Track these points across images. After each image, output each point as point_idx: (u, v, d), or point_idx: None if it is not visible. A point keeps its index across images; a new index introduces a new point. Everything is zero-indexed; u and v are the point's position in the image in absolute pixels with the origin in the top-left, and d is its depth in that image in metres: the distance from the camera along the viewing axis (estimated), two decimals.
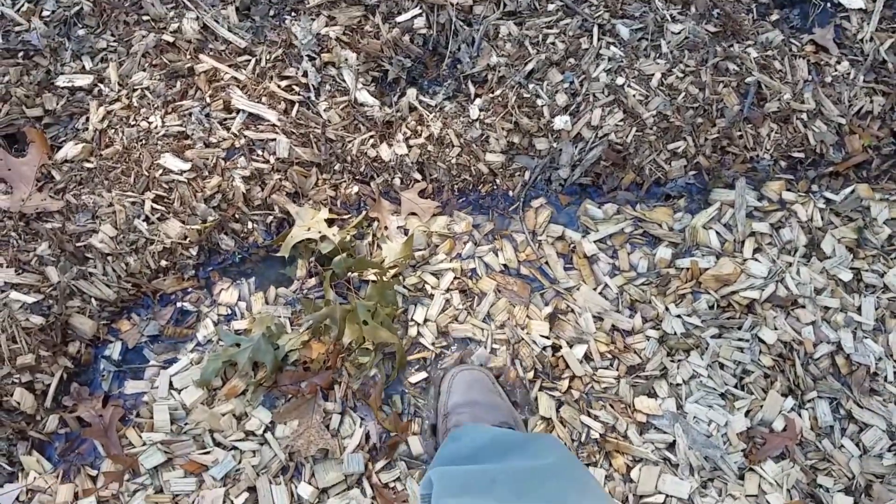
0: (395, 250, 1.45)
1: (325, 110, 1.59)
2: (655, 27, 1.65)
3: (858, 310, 1.44)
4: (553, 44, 1.63)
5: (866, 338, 1.42)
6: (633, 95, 1.58)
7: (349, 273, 1.44)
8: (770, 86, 1.60)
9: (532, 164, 1.57)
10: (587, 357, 1.40)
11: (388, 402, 1.35)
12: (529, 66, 1.62)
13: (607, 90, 1.58)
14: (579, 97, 1.59)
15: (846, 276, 1.47)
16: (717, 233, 1.52)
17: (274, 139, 1.54)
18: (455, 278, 1.47)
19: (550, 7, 1.68)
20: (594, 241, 1.51)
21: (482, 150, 1.57)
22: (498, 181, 1.57)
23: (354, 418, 1.32)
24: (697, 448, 1.30)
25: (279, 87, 1.61)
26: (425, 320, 1.42)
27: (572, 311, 1.44)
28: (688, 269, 1.47)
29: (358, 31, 1.67)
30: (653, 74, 1.59)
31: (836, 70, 1.64)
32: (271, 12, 1.71)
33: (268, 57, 1.64)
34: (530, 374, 1.37)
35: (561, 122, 1.57)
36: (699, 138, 1.58)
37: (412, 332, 1.41)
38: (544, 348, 1.40)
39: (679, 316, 1.43)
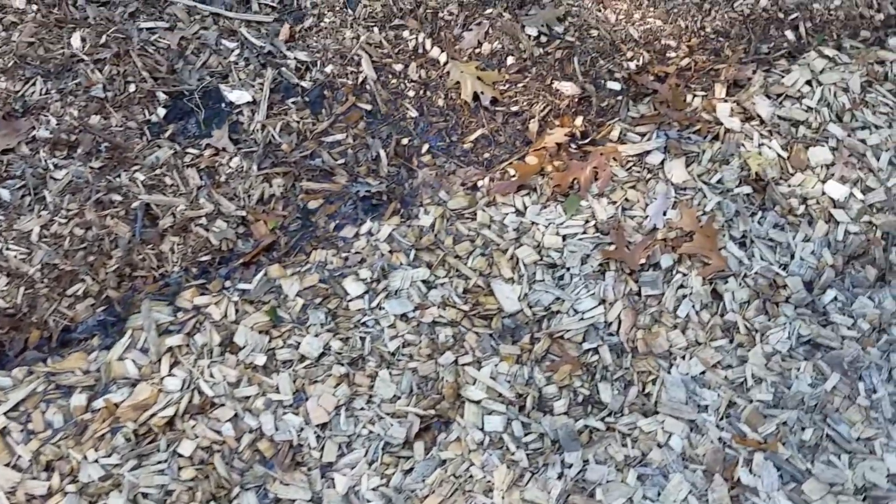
0: None
1: None
2: (38, 180, 1.66)
3: (277, 389, 1.53)
4: None
5: (286, 413, 1.50)
6: (15, 256, 1.56)
7: None
8: (161, 203, 1.68)
9: None
10: None
11: None
12: None
13: None
14: None
15: (261, 359, 1.55)
16: (133, 360, 1.53)
17: None
18: None
19: None
20: (4, 413, 1.45)
21: None
22: None
23: None
24: None
25: None
26: None
27: None
28: (104, 408, 1.47)
29: None
30: (32, 229, 1.59)
31: (229, 167, 1.77)
32: None
33: None
34: None
35: None
36: (99, 275, 1.60)
37: None
38: None
39: (96, 460, 1.42)
